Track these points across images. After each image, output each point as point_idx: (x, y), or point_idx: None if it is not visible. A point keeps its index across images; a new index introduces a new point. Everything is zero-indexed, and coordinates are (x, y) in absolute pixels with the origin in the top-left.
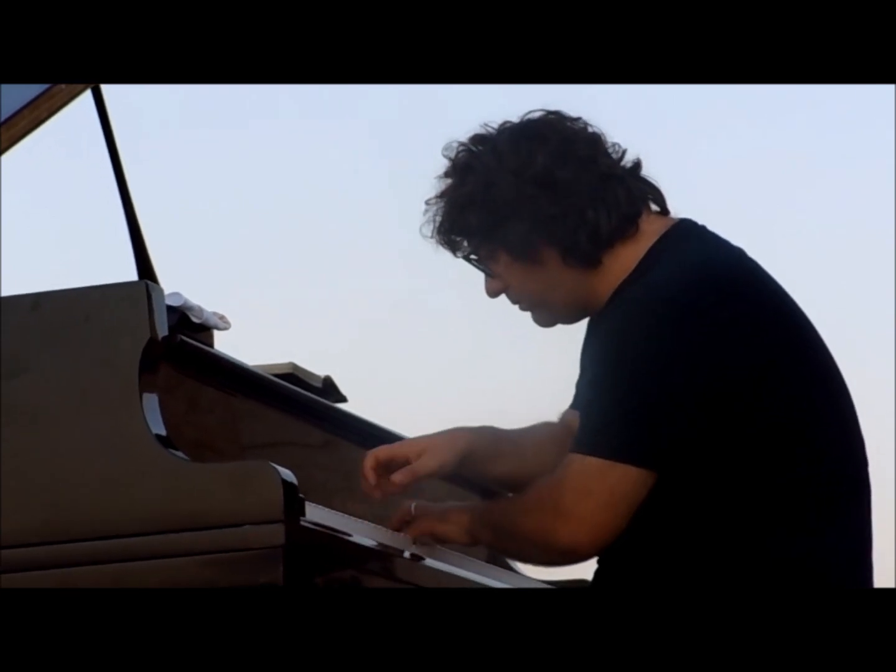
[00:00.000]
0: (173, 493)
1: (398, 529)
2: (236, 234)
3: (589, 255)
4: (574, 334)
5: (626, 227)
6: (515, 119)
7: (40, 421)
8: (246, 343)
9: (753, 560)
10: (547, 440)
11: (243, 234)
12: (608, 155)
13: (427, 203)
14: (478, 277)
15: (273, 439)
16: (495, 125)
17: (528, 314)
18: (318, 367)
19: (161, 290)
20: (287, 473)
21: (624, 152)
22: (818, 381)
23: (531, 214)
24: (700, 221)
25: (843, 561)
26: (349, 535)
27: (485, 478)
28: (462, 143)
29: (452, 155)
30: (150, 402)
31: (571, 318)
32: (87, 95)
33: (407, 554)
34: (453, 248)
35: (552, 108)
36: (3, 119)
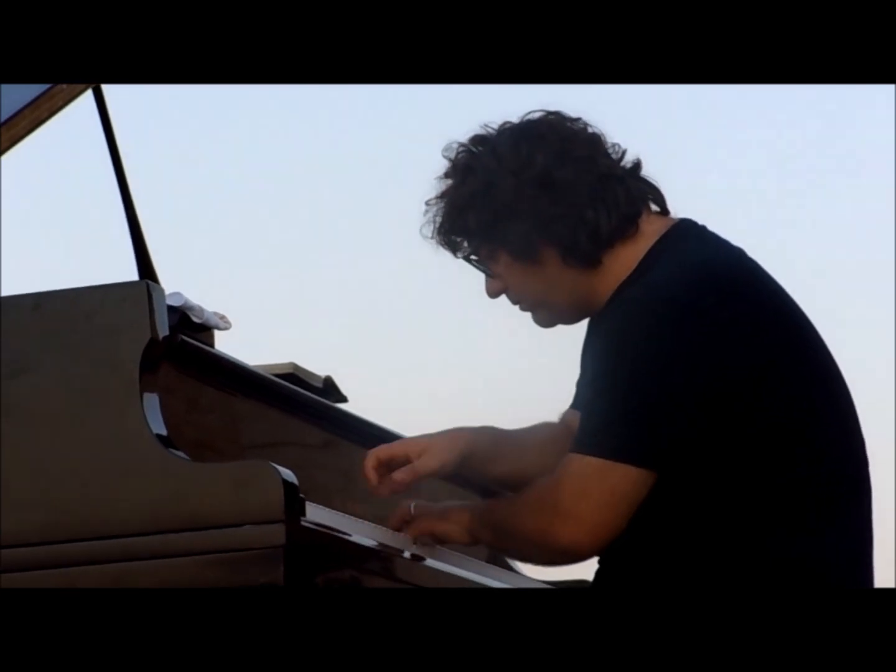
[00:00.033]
0: (174, 493)
1: (398, 529)
2: (237, 234)
3: (589, 256)
4: (574, 334)
5: (626, 227)
6: (515, 119)
7: (41, 421)
8: (247, 343)
9: (753, 560)
10: (547, 440)
11: (244, 234)
12: (608, 155)
13: (427, 204)
14: (478, 278)
15: (274, 439)
16: (495, 125)
17: (528, 314)
18: (318, 367)
19: (162, 290)
20: (288, 473)
21: (624, 152)
22: (818, 381)
23: (531, 215)
24: (700, 222)
25: (843, 561)
26: (349, 535)
27: (485, 478)
28: (462, 144)
29: (452, 155)
30: (151, 401)
31: (572, 319)
32: (88, 95)
33: (407, 554)
34: (453, 248)
35: (552, 108)
36: (4, 119)
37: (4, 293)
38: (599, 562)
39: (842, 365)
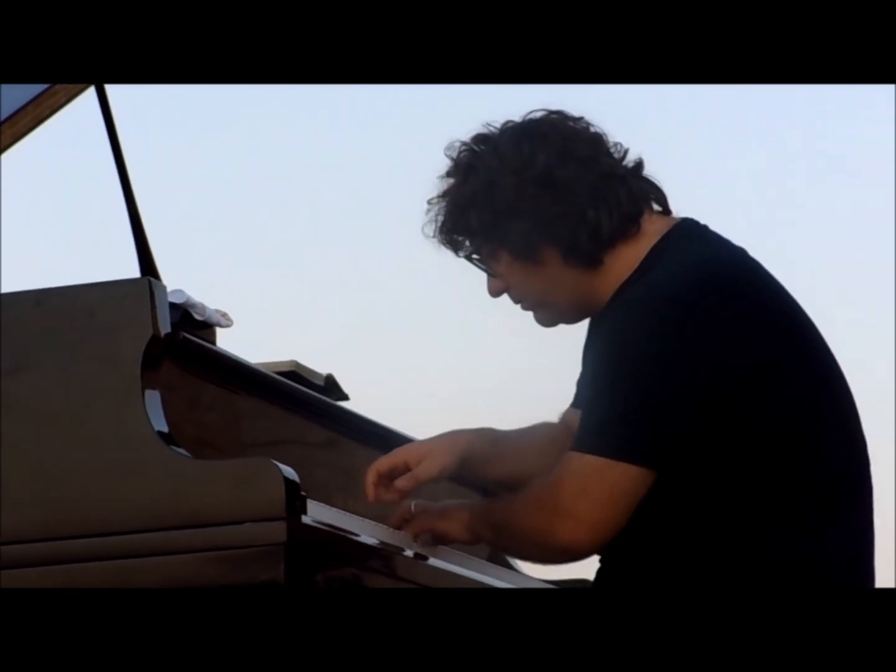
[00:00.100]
0: (175, 490)
1: (398, 528)
2: (239, 231)
3: (590, 255)
4: (575, 334)
5: (628, 226)
6: (518, 118)
7: (43, 418)
8: (248, 341)
9: (753, 560)
10: (546, 441)
11: (246, 232)
12: (610, 154)
13: (429, 203)
14: (479, 277)
15: (275, 437)
16: (497, 125)
17: (529, 314)
18: (320, 365)
19: (164, 287)
20: (289, 471)
21: (626, 152)
22: (820, 381)
23: (532, 214)
24: (702, 221)
25: (844, 561)
26: (351, 533)
27: (484, 479)
28: (464, 143)
29: (454, 154)
30: (153, 399)
31: (573, 318)
32: (90, 92)
33: (408, 552)
34: (455, 247)
35: (553, 108)
36: (5, 116)
37: (6, 290)
38: (601, 561)
39: (842, 365)
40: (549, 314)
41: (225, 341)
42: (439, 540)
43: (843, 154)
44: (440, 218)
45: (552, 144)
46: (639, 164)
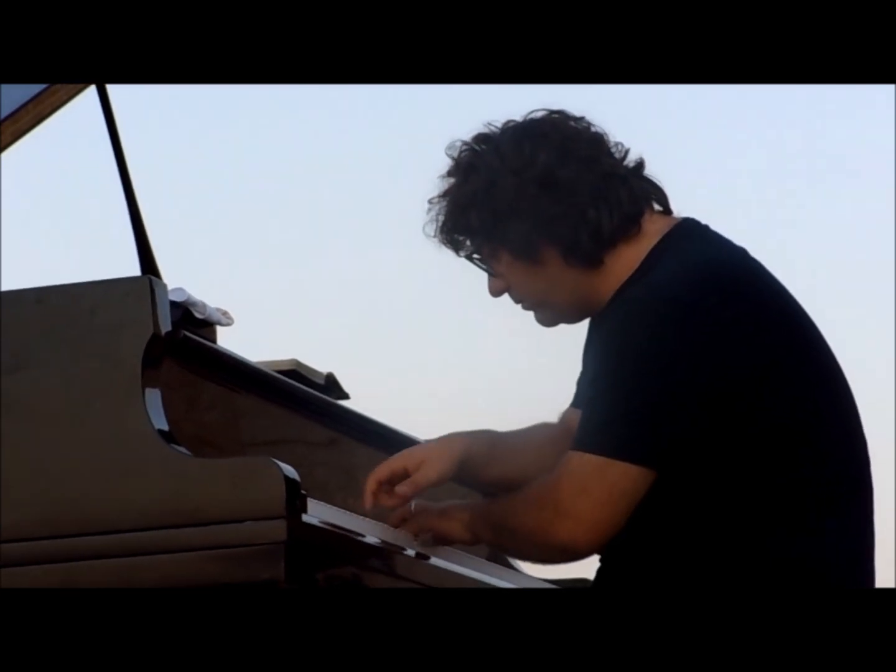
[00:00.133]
0: (175, 489)
1: (398, 527)
2: (240, 230)
3: (590, 255)
4: (575, 334)
5: (629, 226)
6: (519, 118)
7: (43, 416)
8: (249, 339)
9: (753, 560)
10: (545, 442)
11: (247, 231)
12: (611, 154)
13: (430, 202)
14: (479, 277)
15: (275, 436)
16: (499, 124)
17: (530, 313)
18: (320, 364)
19: (164, 286)
20: (289, 470)
21: (627, 152)
22: (821, 381)
23: (533, 214)
24: (702, 221)
25: (844, 561)
26: (351, 532)
27: (483, 482)
28: (465, 143)
29: (455, 154)
30: (153, 397)
31: (574, 318)
32: (91, 90)
33: (409, 551)
34: (456, 247)
35: (554, 107)
36: (6, 114)
37: (6, 288)
38: (601, 560)
39: (842, 365)
40: (550, 314)
41: (226, 340)
42: (440, 540)
43: (843, 154)
44: (441, 217)
45: (553, 144)
46: (640, 164)
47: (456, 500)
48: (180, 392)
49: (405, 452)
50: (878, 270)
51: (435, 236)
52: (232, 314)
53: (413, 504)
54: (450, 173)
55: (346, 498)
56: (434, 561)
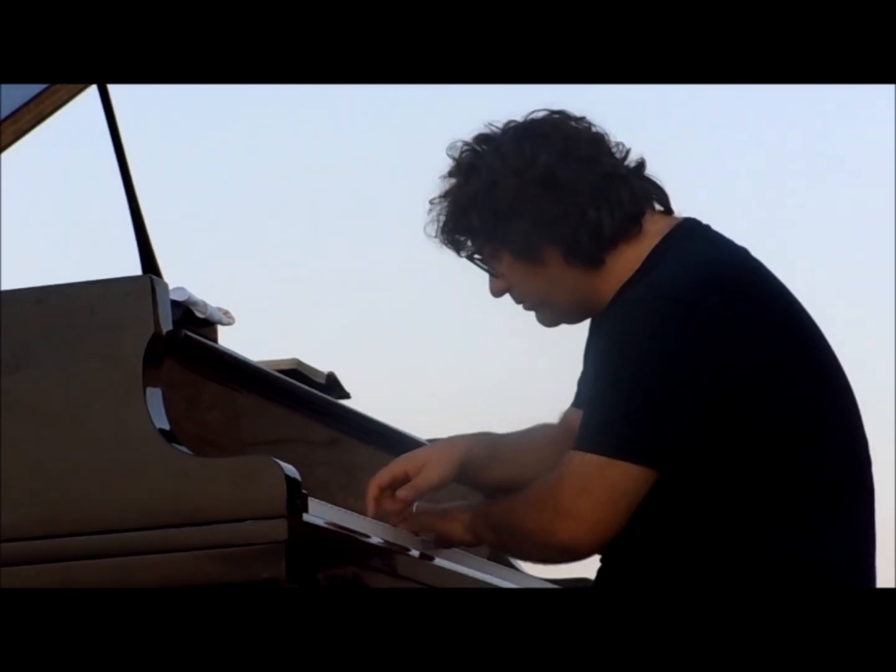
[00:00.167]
0: (176, 488)
1: (397, 525)
2: (241, 230)
3: (591, 255)
4: (576, 334)
5: (629, 226)
6: (520, 118)
7: (44, 416)
8: (250, 339)
9: (754, 560)
10: (545, 443)
11: (248, 231)
12: (611, 154)
13: (431, 203)
14: (480, 277)
15: (276, 435)
16: (499, 124)
17: (531, 314)
18: (322, 363)
19: (165, 285)
20: (290, 469)
21: (628, 152)
22: (823, 381)
23: (534, 214)
24: (704, 221)
25: (844, 561)
26: (352, 532)
27: (484, 484)
28: (466, 143)
29: (456, 154)
30: (154, 396)
31: (575, 318)
32: (92, 90)
33: (413, 551)
34: (457, 247)
35: (554, 108)
36: (7, 114)
37: (6, 287)
38: (601, 560)
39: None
40: (551, 314)
41: (226, 339)
42: (441, 541)
43: (843, 154)
44: (442, 218)
45: (554, 144)
46: (640, 164)
47: (457, 502)
48: (181, 391)
49: (406, 457)
50: (878, 270)
51: (436, 237)
52: (233, 313)
53: (415, 505)
54: (451, 174)
55: (346, 497)
56: (436, 561)
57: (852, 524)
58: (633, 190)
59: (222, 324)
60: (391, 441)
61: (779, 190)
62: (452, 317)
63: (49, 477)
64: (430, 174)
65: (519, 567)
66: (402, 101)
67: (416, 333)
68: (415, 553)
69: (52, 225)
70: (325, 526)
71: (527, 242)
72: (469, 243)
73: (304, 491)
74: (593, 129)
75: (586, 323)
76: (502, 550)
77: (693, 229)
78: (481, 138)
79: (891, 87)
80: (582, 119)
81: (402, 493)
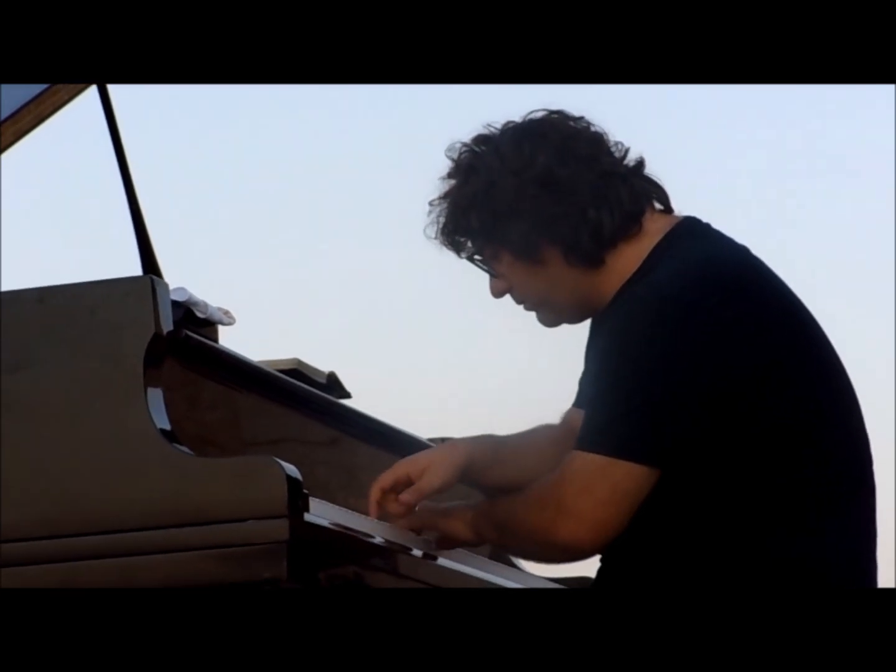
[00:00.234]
0: (177, 488)
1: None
2: (242, 230)
3: (591, 255)
4: (576, 334)
5: (629, 225)
6: (518, 119)
7: (44, 416)
8: (250, 339)
9: (754, 560)
10: (547, 444)
11: (249, 231)
12: (611, 154)
13: (430, 204)
14: (480, 277)
15: (277, 435)
16: (498, 125)
17: (532, 314)
18: (322, 363)
19: (166, 285)
20: (291, 469)
21: (627, 151)
22: (824, 380)
23: (533, 214)
24: (704, 220)
25: (844, 561)
26: (353, 531)
27: (486, 486)
28: (465, 144)
29: (455, 156)
30: (155, 396)
31: (575, 318)
32: (92, 90)
33: (415, 551)
34: (457, 248)
35: (553, 107)
36: (7, 115)
37: (7, 287)
38: (601, 560)
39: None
40: (552, 314)
41: (227, 339)
42: (444, 540)
43: (843, 154)
44: (441, 219)
45: (553, 144)
46: (640, 163)
47: (459, 501)
48: (182, 391)
49: (408, 459)
50: (878, 270)
51: (436, 238)
52: (233, 313)
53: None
54: (450, 175)
55: (347, 497)
56: (438, 560)
57: (853, 524)
58: (633, 189)
59: (223, 324)
60: (392, 441)
61: (779, 190)
62: (453, 317)
63: (50, 477)
64: (430, 174)
65: (521, 566)
66: (402, 101)
67: (416, 333)
68: (416, 552)
69: (52, 225)
70: (327, 526)
71: (527, 242)
72: (469, 244)
73: (305, 491)
74: (592, 129)
75: (587, 323)
76: (504, 549)
77: (693, 228)
78: (480, 139)
79: (891, 87)
80: (580, 119)
81: (405, 496)
